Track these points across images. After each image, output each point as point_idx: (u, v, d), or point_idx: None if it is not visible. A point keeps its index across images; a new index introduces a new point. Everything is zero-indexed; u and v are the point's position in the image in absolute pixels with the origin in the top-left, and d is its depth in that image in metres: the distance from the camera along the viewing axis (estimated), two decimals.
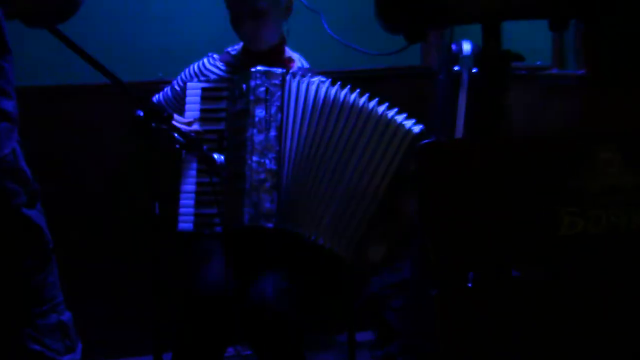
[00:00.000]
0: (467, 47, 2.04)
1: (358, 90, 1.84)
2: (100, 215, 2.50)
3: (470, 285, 1.38)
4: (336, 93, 1.83)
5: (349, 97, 1.82)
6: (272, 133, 1.83)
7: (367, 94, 1.84)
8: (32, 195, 1.06)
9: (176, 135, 1.74)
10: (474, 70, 2.00)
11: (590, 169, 1.34)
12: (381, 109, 1.82)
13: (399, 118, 1.82)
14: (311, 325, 2.13)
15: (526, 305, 1.38)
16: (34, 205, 1.06)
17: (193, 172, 1.92)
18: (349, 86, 1.84)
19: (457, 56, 2.05)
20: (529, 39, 1.85)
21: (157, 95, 2.13)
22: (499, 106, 1.85)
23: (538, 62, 2.12)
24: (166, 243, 1.90)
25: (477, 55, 2.02)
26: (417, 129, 1.81)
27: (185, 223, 1.89)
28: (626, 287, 1.36)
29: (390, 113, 1.82)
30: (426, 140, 1.42)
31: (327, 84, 1.85)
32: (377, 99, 1.84)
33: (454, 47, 2.06)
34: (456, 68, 2.05)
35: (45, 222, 1.08)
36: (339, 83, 1.86)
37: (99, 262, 2.48)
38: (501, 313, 1.39)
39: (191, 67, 2.10)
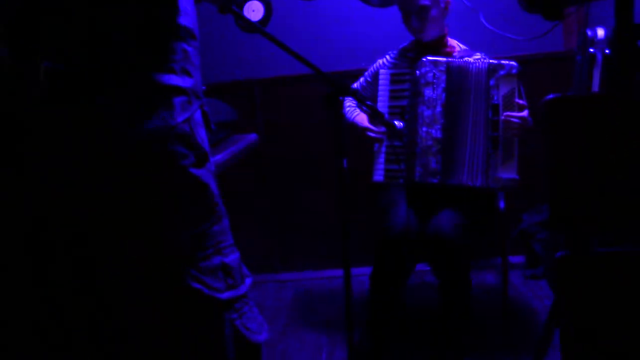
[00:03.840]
0: (601, 32, 2.28)
1: (490, 61, 2.25)
2: (312, 166, 3.28)
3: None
4: (478, 69, 2.25)
5: (483, 67, 2.23)
6: (438, 109, 2.24)
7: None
8: (201, 158, 1.12)
9: (363, 108, 2.12)
10: (607, 52, 2.24)
11: None
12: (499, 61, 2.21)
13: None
14: (475, 251, 2.49)
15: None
16: (202, 166, 1.13)
17: (384, 138, 2.38)
18: (490, 61, 2.25)
19: (593, 40, 2.28)
20: None
21: (354, 84, 2.65)
22: (629, 76, 1.81)
23: None
24: (357, 191, 2.44)
25: (610, 39, 2.25)
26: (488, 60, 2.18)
27: (379, 176, 2.35)
28: None
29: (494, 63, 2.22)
30: (551, 95, 1.43)
31: (476, 65, 2.25)
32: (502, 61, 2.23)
33: (589, 32, 2.30)
34: (591, 50, 2.27)
35: (215, 181, 1.18)
36: (483, 62, 2.26)
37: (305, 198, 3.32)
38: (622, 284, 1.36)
39: (376, 62, 2.59)
